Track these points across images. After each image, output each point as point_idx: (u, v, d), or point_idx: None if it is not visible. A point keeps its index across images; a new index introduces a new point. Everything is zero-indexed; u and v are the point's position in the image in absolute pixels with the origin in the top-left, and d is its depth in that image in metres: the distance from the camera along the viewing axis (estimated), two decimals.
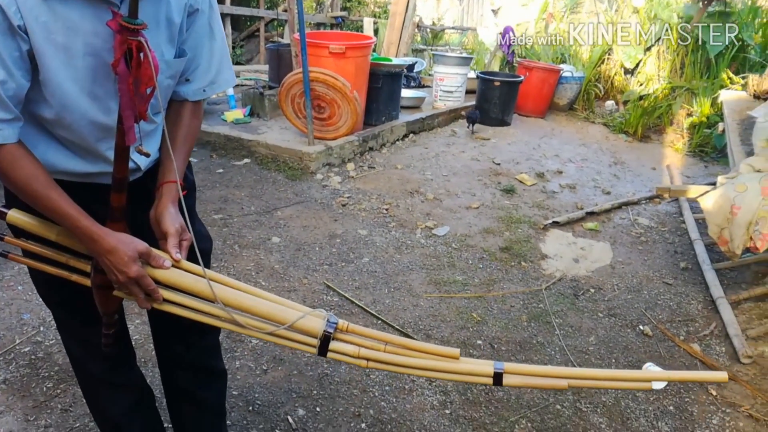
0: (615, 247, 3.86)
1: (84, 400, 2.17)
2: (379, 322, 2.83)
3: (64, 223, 1.23)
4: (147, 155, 1.28)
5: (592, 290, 3.30)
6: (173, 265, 1.31)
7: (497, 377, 1.28)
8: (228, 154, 4.91)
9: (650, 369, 2.65)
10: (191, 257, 1.34)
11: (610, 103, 7.16)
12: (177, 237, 1.31)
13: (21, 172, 1.17)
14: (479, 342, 2.75)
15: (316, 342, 1.31)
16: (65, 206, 1.20)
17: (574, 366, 2.62)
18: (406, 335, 2.73)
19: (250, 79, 6.62)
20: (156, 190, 1.36)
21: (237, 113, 5.48)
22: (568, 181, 4.94)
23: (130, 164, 1.30)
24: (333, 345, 1.32)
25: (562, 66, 6.94)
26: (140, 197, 1.37)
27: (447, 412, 2.29)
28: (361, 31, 9.61)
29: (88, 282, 1.34)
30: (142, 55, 1.13)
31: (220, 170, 4.61)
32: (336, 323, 1.33)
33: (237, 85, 6.28)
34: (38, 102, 1.19)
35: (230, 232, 3.63)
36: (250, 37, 10.35)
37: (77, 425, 2.12)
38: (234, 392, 2.32)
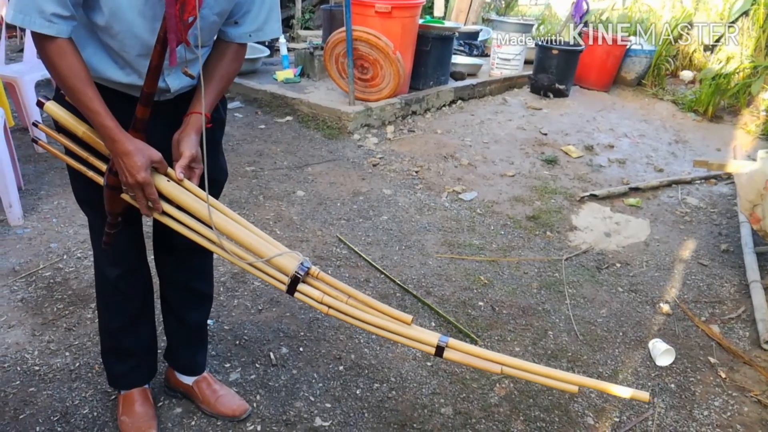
0: (654, 224, 3.66)
1: (87, 322, 2.33)
2: (382, 276, 2.83)
3: (92, 119, 1.34)
4: (192, 77, 1.37)
5: (618, 265, 3.16)
6: (179, 184, 1.41)
7: (439, 350, 1.36)
8: (272, 111, 4.99)
9: (656, 345, 2.54)
10: (203, 186, 1.43)
11: (686, 73, 6.73)
12: (188, 160, 1.41)
13: (65, 65, 1.28)
14: (480, 303, 2.70)
15: (286, 280, 1.41)
16: (96, 104, 1.31)
17: (577, 335, 2.54)
18: (406, 290, 2.72)
19: (308, 43, 6.68)
20: (185, 116, 1.46)
21: (288, 73, 5.56)
22: (618, 156, 4.71)
23: (162, 85, 1.42)
24: (301, 287, 1.41)
25: (630, 38, 6.56)
26: (170, 119, 1.48)
27: (428, 364, 2.27)
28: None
29: (101, 180, 1.46)
30: None
31: (262, 126, 4.71)
32: (308, 268, 1.41)
33: (294, 48, 6.35)
34: (94, 8, 1.28)
35: (258, 183, 3.72)
36: (322, 2, 10.42)
37: (76, 343, 2.26)
38: (225, 327, 2.40)
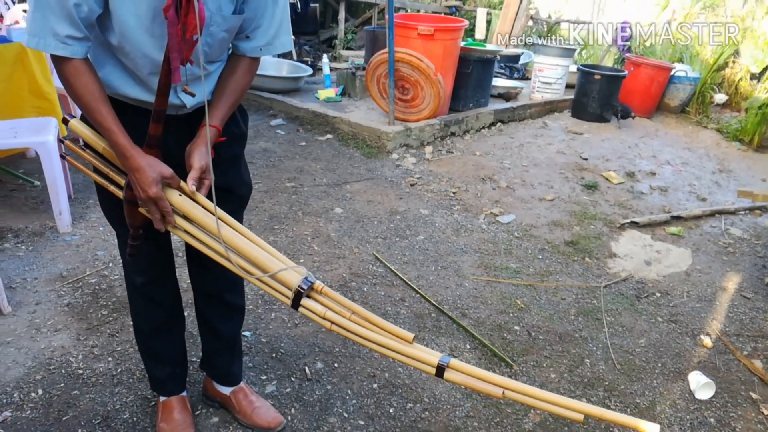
0: (696, 254, 3.59)
1: (130, 329, 2.39)
2: (417, 296, 2.83)
3: (106, 136, 1.39)
4: (192, 95, 1.42)
5: (658, 294, 3.10)
6: (190, 197, 1.45)
7: (440, 370, 1.32)
8: (313, 129, 5.08)
9: (696, 377, 2.48)
10: (221, 198, 1.46)
11: (720, 96, 6.61)
12: (198, 172, 1.44)
13: (80, 84, 1.34)
14: (516, 328, 2.68)
15: (290, 294, 1.41)
16: (109, 122, 1.36)
17: (615, 365, 2.50)
18: (442, 311, 2.72)
19: (350, 63, 6.78)
20: (198, 129, 1.50)
21: (329, 92, 5.65)
22: (660, 183, 4.64)
23: (176, 101, 1.46)
24: (304, 301, 1.41)
25: (675, 65, 6.48)
26: (187, 132, 1.52)
27: (462, 386, 2.27)
28: (474, 22, 9.52)
29: (120, 194, 1.50)
30: (190, 5, 1.24)
31: (303, 143, 4.79)
32: (312, 283, 1.42)
33: (336, 68, 6.46)
34: (108, 28, 1.34)
35: (298, 199, 3.78)
36: (364, 23, 10.59)
37: (119, 348, 2.32)
38: (263, 339, 2.44)
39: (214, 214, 1.42)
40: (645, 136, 5.80)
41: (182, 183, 1.45)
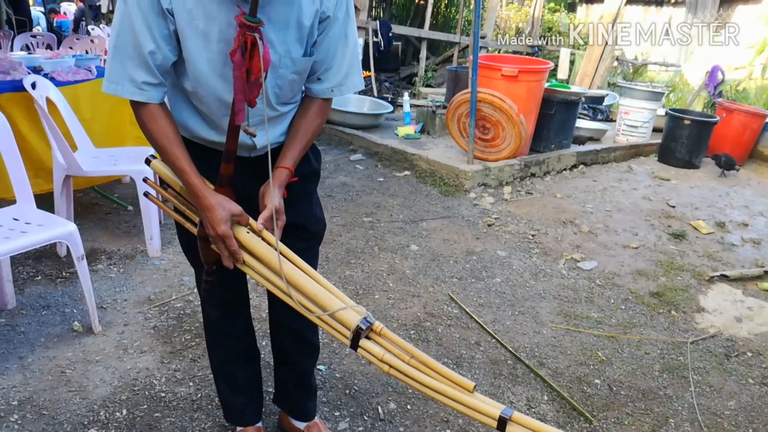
0: None
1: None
2: (493, 341, 2.77)
3: (180, 177, 1.46)
4: (252, 135, 1.45)
5: (749, 354, 2.90)
6: (258, 235, 1.48)
7: (501, 422, 1.27)
8: (392, 165, 5.14)
9: None
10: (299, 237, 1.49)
11: None
12: (269, 212, 1.47)
13: (156, 128, 1.41)
14: (597, 381, 2.56)
15: (349, 334, 1.40)
16: (183, 163, 1.43)
17: (702, 427, 2.34)
18: (518, 359, 2.64)
19: (430, 101, 6.86)
20: (273, 170, 1.54)
21: (409, 129, 5.72)
22: (752, 236, 4.38)
23: (248, 142, 1.51)
24: (363, 342, 1.40)
25: None
26: (261, 172, 1.54)
27: None
28: (557, 62, 9.44)
29: (195, 231, 1.56)
30: (255, 48, 1.29)
31: (381, 179, 4.85)
32: (371, 323, 1.41)
33: (416, 105, 6.54)
34: (182, 75, 1.42)
35: (374, 234, 3.81)
36: (445, 61, 10.71)
37: (199, 374, 2.39)
38: (336, 374, 2.45)
39: (277, 250, 1.44)
40: (736, 185, 5.51)
41: (251, 221, 1.49)
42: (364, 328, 1.39)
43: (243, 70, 1.30)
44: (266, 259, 1.47)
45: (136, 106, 1.40)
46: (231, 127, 1.40)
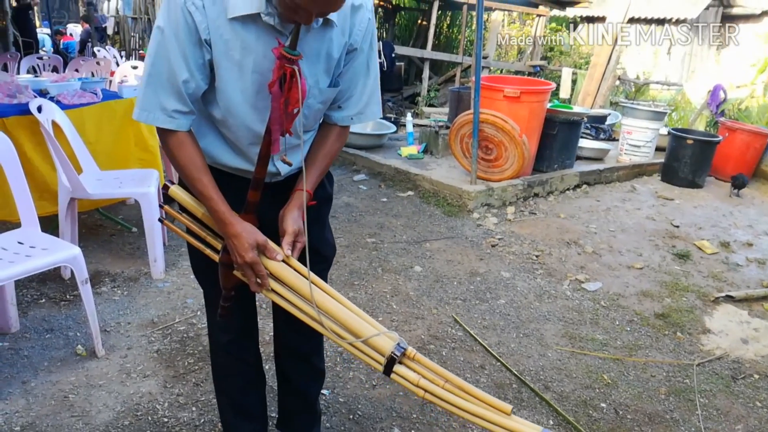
0: None
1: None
2: (498, 363, 2.75)
3: (206, 204, 1.46)
4: (289, 164, 1.48)
5: (756, 376, 2.87)
6: (283, 260, 1.48)
7: None
8: (395, 185, 5.15)
9: None
10: (311, 268, 1.49)
11: None
12: (293, 236, 1.49)
13: (183, 155, 1.42)
14: (603, 405, 2.54)
15: (383, 360, 1.40)
16: (210, 190, 1.43)
17: None
18: (523, 382, 2.62)
19: (432, 120, 6.89)
20: (291, 193, 1.56)
21: (412, 149, 5.74)
22: (757, 256, 4.36)
23: (273, 169, 1.53)
24: (397, 368, 1.40)
25: None
26: (279, 197, 1.58)
27: None
28: (559, 81, 9.49)
29: (216, 257, 1.56)
30: (294, 80, 1.31)
31: (384, 199, 4.86)
32: (405, 349, 1.41)
33: (419, 125, 6.57)
34: (212, 103, 1.44)
35: (378, 255, 3.81)
36: (447, 81, 10.78)
37: (202, 398, 2.37)
38: (341, 399, 2.43)
39: (307, 278, 1.45)
40: (740, 205, 5.51)
41: (274, 246, 1.49)
42: (398, 354, 1.39)
43: (281, 102, 1.32)
44: (295, 284, 1.47)
45: (163, 133, 1.41)
46: (262, 156, 1.42)
